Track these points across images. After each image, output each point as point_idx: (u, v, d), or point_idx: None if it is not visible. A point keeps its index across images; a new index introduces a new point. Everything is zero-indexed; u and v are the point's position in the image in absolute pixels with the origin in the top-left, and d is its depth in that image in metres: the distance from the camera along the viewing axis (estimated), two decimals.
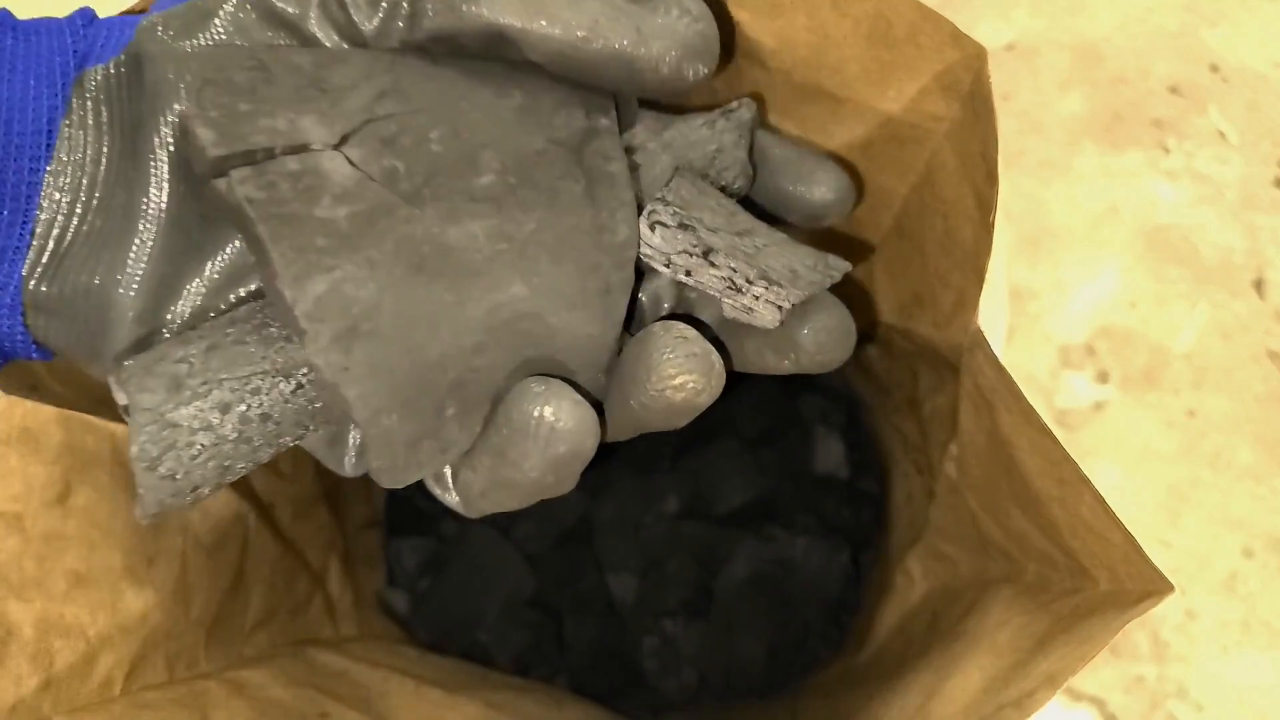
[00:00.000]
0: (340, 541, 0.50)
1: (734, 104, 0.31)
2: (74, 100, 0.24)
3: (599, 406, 0.27)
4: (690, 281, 0.28)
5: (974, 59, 0.30)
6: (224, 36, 0.25)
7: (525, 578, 0.58)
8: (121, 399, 0.24)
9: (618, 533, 0.59)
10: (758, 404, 0.60)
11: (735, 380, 0.61)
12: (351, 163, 0.24)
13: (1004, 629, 0.34)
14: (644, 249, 0.28)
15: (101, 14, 0.27)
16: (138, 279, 0.25)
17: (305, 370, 0.24)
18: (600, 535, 0.59)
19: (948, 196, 0.34)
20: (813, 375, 0.61)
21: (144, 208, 0.25)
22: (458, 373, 0.25)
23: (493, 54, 0.27)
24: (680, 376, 0.25)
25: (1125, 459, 0.59)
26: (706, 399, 0.26)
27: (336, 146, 0.24)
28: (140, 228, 0.25)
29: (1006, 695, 0.30)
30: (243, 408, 0.24)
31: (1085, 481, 0.31)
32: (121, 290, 0.25)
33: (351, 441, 0.27)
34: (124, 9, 0.29)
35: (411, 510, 0.59)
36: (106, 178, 0.25)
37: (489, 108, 0.26)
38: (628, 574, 0.58)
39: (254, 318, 0.25)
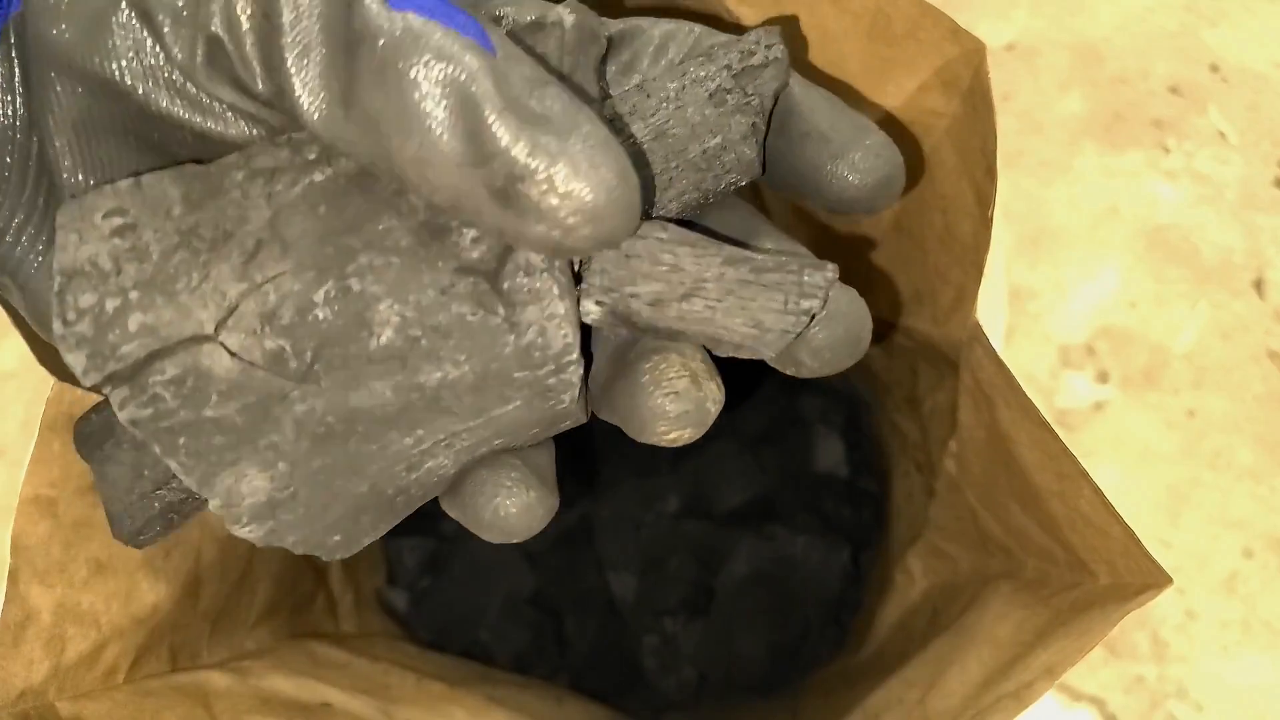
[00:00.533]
0: None
1: (754, 53, 0.25)
2: None
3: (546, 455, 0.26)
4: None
5: (973, 54, 0.30)
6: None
7: (525, 576, 0.58)
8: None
9: (618, 531, 0.59)
10: (758, 403, 0.60)
11: (735, 381, 0.61)
12: (231, 353, 0.22)
13: (1003, 623, 0.34)
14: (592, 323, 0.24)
15: None
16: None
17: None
18: (600, 534, 0.59)
19: (947, 192, 0.34)
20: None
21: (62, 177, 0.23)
22: (396, 488, 0.24)
23: None
24: (673, 433, 0.23)
25: (1125, 459, 0.59)
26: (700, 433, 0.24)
27: (214, 336, 0.22)
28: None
29: (1005, 686, 0.30)
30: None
31: (1084, 476, 0.31)
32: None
33: None
34: None
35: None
36: (24, 153, 0.23)
37: (382, 242, 0.22)
38: (628, 573, 0.58)
39: None
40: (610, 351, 0.25)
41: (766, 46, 0.24)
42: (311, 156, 0.23)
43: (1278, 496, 0.58)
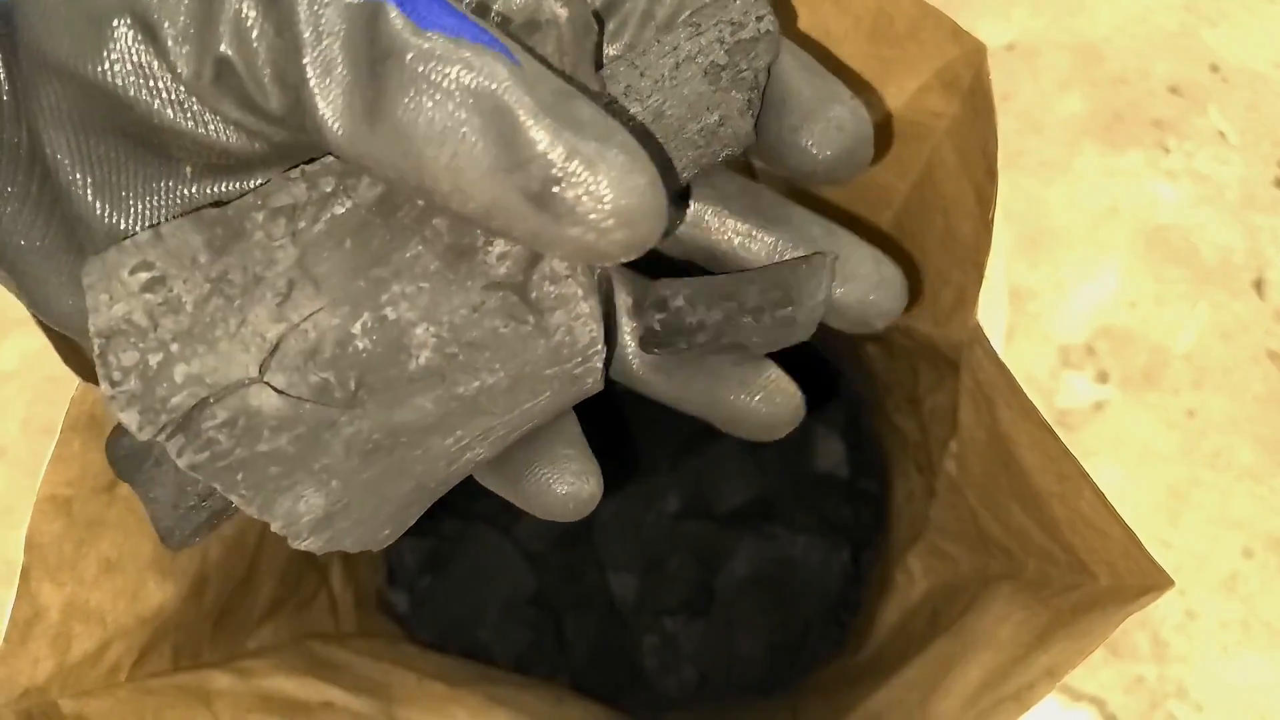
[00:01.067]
0: None
1: (745, 24, 0.25)
2: None
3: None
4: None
5: (974, 55, 0.30)
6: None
7: (526, 576, 0.58)
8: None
9: (618, 532, 0.59)
10: None
11: None
12: (279, 390, 0.23)
13: (1004, 624, 0.34)
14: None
15: None
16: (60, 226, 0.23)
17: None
18: (601, 534, 0.59)
19: (948, 193, 0.34)
20: (812, 377, 0.61)
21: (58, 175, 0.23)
22: (438, 481, 0.25)
23: None
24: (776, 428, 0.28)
25: (1125, 459, 0.59)
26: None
27: (260, 378, 0.23)
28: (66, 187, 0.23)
29: (1006, 688, 0.30)
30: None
31: (1085, 477, 0.31)
32: (48, 244, 0.23)
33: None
34: None
35: None
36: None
37: (411, 269, 0.23)
38: (628, 573, 0.58)
39: None
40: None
41: (757, 18, 0.24)
42: (329, 189, 0.23)
43: (1278, 496, 0.58)
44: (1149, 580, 0.30)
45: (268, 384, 0.23)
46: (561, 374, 0.25)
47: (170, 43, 0.21)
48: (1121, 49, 0.66)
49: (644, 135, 0.24)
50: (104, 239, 0.23)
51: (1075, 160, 0.65)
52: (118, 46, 0.21)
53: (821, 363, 0.58)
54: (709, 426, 0.58)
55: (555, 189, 0.19)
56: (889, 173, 0.36)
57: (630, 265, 0.26)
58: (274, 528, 0.23)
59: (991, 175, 0.30)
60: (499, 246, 0.23)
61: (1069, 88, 0.66)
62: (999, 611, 0.36)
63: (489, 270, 0.23)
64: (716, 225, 0.28)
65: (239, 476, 0.23)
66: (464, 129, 0.19)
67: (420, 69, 0.19)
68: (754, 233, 0.28)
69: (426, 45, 0.19)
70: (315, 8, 0.20)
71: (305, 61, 0.20)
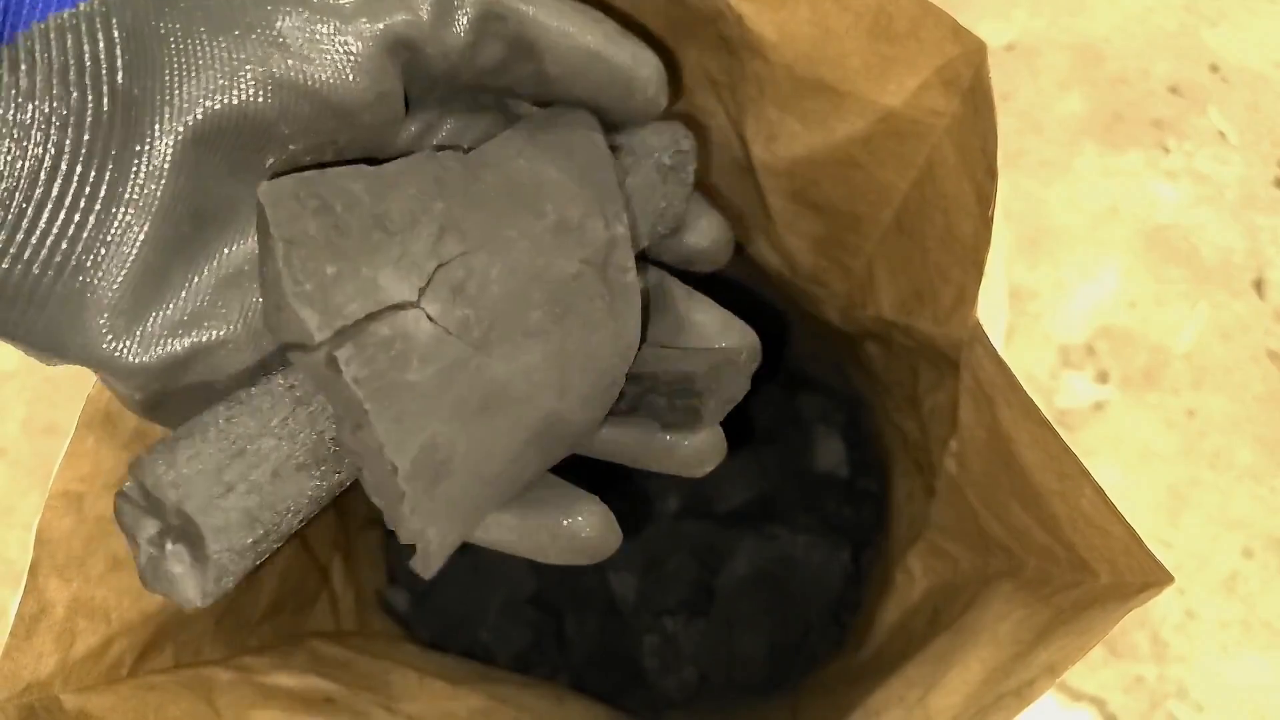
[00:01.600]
0: (344, 539, 0.50)
1: (681, 144, 0.32)
2: (23, 50, 0.22)
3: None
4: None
5: (974, 54, 0.30)
6: None
7: (526, 576, 0.58)
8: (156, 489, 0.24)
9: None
10: (758, 403, 0.60)
11: None
12: (431, 319, 0.25)
13: (1004, 622, 0.34)
14: None
15: None
16: (121, 269, 0.23)
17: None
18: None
19: (948, 192, 0.34)
20: (812, 374, 0.61)
21: (132, 193, 0.23)
22: (501, 486, 0.28)
23: (507, 78, 0.28)
24: None
25: (1125, 459, 0.59)
26: None
27: (417, 303, 0.25)
28: (125, 213, 0.23)
29: (1007, 685, 0.30)
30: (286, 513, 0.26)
31: (1085, 474, 0.31)
32: (100, 278, 0.23)
33: None
34: None
35: None
36: (76, 148, 0.23)
37: (530, 234, 0.27)
38: (628, 572, 0.58)
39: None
40: None
41: (686, 137, 0.32)
42: (471, 164, 0.27)
43: (1278, 496, 0.58)
44: (1149, 577, 0.30)
45: (424, 310, 0.25)
46: (612, 369, 0.29)
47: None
48: (1121, 49, 0.66)
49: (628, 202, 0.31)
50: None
51: (1075, 160, 0.65)
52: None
53: (823, 363, 0.58)
54: None
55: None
56: (889, 171, 0.36)
57: None
58: (399, 478, 0.25)
59: (991, 174, 0.30)
60: (590, 231, 0.28)
61: (1069, 88, 0.67)
62: (999, 609, 0.36)
63: (584, 249, 0.28)
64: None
65: (387, 402, 0.24)
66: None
67: None
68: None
69: None
70: None
71: None
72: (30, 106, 0.22)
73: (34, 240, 0.23)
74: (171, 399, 0.26)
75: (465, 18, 0.26)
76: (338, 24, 0.25)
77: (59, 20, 0.23)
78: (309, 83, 0.24)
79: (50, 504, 0.29)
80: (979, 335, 0.33)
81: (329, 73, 0.25)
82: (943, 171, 0.34)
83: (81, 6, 0.23)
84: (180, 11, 0.24)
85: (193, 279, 0.25)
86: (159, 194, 0.23)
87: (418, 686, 0.41)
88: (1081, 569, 0.33)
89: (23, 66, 0.22)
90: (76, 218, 0.23)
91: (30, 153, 0.22)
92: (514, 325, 0.26)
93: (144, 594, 0.32)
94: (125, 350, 0.24)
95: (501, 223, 0.27)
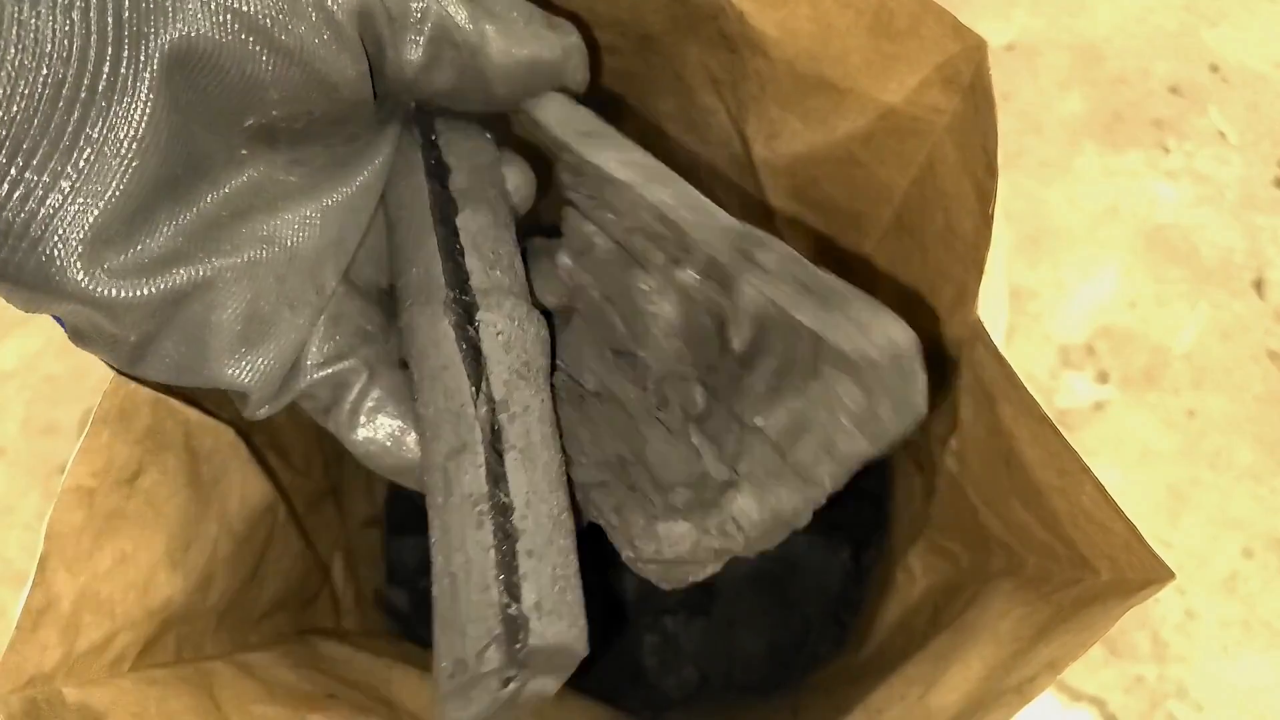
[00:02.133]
0: (344, 538, 0.50)
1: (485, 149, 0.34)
2: None
3: None
4: None
5: (975, 51, 0.30)
6: None
7: None
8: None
9: None
10: None
11: None
12: None
13: (1005, 619, 0.34)
14: None
15: None
16: (108, 198, 0.24)
17: None
18: (601, 533, 0.59)
19: (948, 190, 0.34)
20: None
21: (119, 124, 0.23)
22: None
23: (458, 100, 0.31)
24: None
25: (1125, 459, 0.59)
26: None
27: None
28: (114, 146, 0.24)
29: (1008, 682, 0.30)
30: None
31: (1086, 471, 0.31)
32: (86, 208, 0.24)
33: None
34: None
35: (413, 509, 0.59)
36: (76, 84, 0.23)
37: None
38: (628, 572, 0.58)
39: None
40: None
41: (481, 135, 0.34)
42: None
43: (1278, 497, 0.58)
44: (1150, 574, 0.30)
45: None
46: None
47: None
48: (1121, 49, 0.66)
49: None
50: None
51: (1075, 160, 0.65)
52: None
53: None
54: None
55: None
56: (889, 169, 0.36)
57: None
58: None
59: (992, 171, 0.30)
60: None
61: (1069, 88, 0.67)
62: (1000, 607, 0.36)
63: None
64: None
65: None
66: None
67: None
68: None
69: None
70: None
71: None
72: (32, 35, 0.22)
73: (28, 174, 0.23)
74: (160, 343, 0.27)
75: (421, 38, 0.28)
76: None
77: None
78: (304, 52, 0.25)
79: (63, 498, 0.29)
80: (980, 333, 0.33)
81: (320, 46, 0.26)
82: (943, 169, 0.34)
83: None
84: None
85: (180, 217, 0.26)
86: (144, 125, 0.24)
87: (419, 683, 0.41)
88: (1082, 566, 0.33)
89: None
90: (67, 150, 0.23)
91: (43, 75, 0.23)
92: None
93: (149, 589, 0.32)
94: (111, 282, 0.25)
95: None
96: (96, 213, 0.24)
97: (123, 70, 0.23)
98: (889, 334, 0.26)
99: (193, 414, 0.34)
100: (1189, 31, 0.66)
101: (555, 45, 0.31)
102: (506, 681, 0.27)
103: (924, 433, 0.46)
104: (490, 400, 0.28)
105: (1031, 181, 0.62)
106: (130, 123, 0.24)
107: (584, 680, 0.56)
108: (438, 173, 0.32)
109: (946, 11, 0.30)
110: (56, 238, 0.24)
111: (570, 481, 0.31)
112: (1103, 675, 0.56)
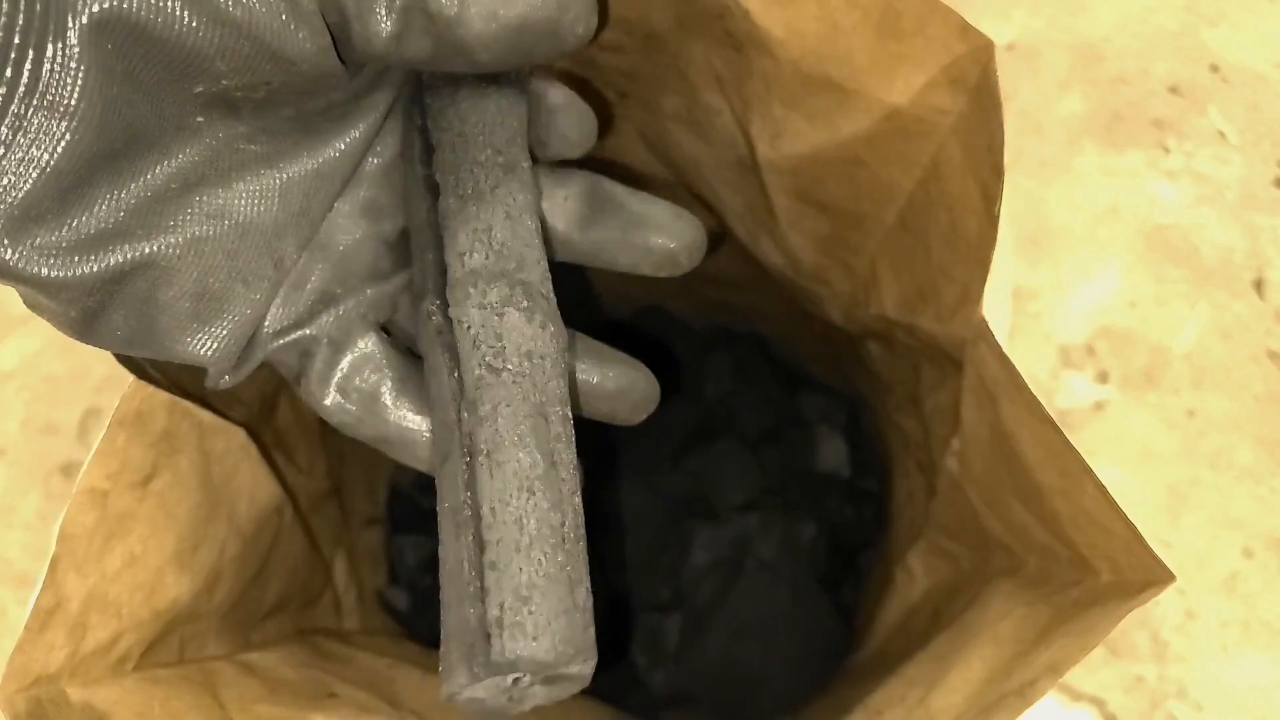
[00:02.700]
0: (346, 538, 0.50)
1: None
2: None
3: None
4: None
5: (981, 52, 0.30)
6: None
7: None
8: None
9: (618, 530, 0.59)
10: (759, 403, 0.61)
11: (736, 380, 0.61)
12: None
13: (1005, 621, 0.34)
14: None
15: None
16: (39, 172, 0.23)
17: None
18: (600, 534, 0.59)
19: (953, 191, 0.34)
20: (814, 374, 0.61)
21: (49, 93, 0.22)
22: None
23: (440, 65, 0.28)
24: None
25: (1125, 459, 0.59)
26: None
27: None
28: (45, 116, 0.23)
29: (1009, 684, 0.30)
30: None
31: (1088, 472, 0.31)
32: (17, 182, 0.23)
33: None
34: None
35: (414, 509, 0.59)
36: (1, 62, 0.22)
37: None
38: (628, 572, 0.58)
39: None
40: None
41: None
42: None
43: (1278, 497, 0.58)
44: (1151, 575, 0.30)
45: None
46: None
47: None
48: (1121, 49, 0.66)
49: None
50: None
51: (1075, 160, 0.65)
52: None
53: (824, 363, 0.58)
54: (711, 426, 0.58)
55: None
56: (894, 169, 0.36)
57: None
58: None
59: (997, 172, 0.30)
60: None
61: (1069, 88, 0.67)
62: (1000, 608, 0.36)
63: None
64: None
65: None
66: None
67: None
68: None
69: None
70: None
71: None
72: None
73: None
74: (108, 316, 0.26)
75: (390, 9, 0.26)
76: None
77: None
78: (253, 25, 0.24)
79: (77, 500, 0.29)
80: (984, 332, 0.33)
81: (270, 18, 0.24)
82: (948, 170, 0.34)
83: None
84: None
85: (120, 192, 0.25)
86: (74, 100, 0.23)
87: (421, 683, 0.41)
88: (1082, 567, 0.33)
89: None
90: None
91: None
92: None
93: (156, 590, 0.32)
94: (42, 260, 0.24)
95: None
96: (26, 188, 0.23)
97: (48, 46, 0.22)
98: None
99: (206, 416, 0.34)
100: (1189, 31, 0.66)
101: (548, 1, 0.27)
102: (505, 692, 0.26)
103: (925, 433, 0.46)
104: (463, 402, 0.27)
105: (1031, 181, 0.62)
106: (58, 98, 0.23)
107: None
108: (424, 155, 0.30)
109: (953, 11, 0.30)
110: None
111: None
112: (1103, 675, 0.56)
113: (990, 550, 0.40)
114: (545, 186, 0.33)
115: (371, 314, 0.30)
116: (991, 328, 0.33)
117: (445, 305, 0.28)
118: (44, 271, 0.24)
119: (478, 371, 0.27)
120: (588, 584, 0.28)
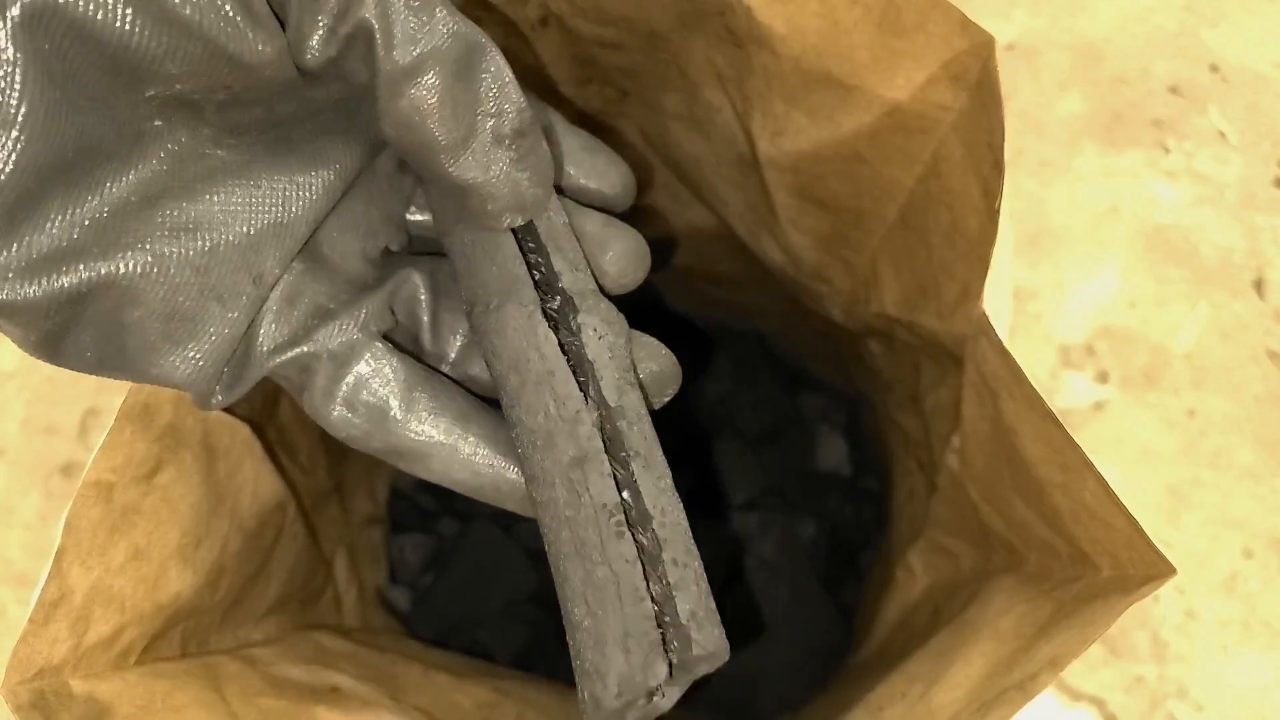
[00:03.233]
0: (347, 536, 0.50)
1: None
2: None
3: None
4: None
5: (982, 48, 0.30)
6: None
7: (527, 575, 0.58)
8: None
9: None
10: (759, 403, 0.61)
11: (737, 379, 0.61)
12: None
13: (1006, 616, 0.34)
14: None
15: None
16: None
17: None
18: None
19: (954, 187, 0.34)
20: (814, 373, 0.61)
21: (1, 105, 0.21)
22: None
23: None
24: None
25: (1125, 459, 0.59)
26: None
27: None
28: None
29: (1010, 678, 0.30)
30: None
31: (1089, 467, 0.31)
32: None
33: None
34: None
35: (414, 508, 0.59)
36: None
37: None
38: None
39: None
40: None
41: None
42: None
43: (1278, 496, 0.58)
44: (1151, 570, 0.30)
45: None
46: None
47: None
48: (1121, 49, 0.66)
49: None
50: None
51: (1075, 160, 0.65)
52: None
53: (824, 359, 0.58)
54: (711, 426, 0.58)
55: None
56: (895, 166, 0.36)
57: None
58: None
59: (998, 168, 0.30)
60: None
61: (1069, 88, 0.67)
62: (1001, 604, 0.36)
63: None
64: None
65: None
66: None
67: None
68: None
69: None
70: None
71: None
72: None
73: None
74: (74, 337, 0.25)
75: (322, 28, 0.24)
76: None
77: None
78: (204, 26, 0.22)
79: (82, 493, 0.29)
80: (984, 328, 0.33)
81: (221, 19, 0.23)
82: (949, 167, 0.34)
83: None
84: None
85: (76, 208, 0.23)
86: (15, 100, 0.21)
87: (422, 679, 0.41)
88: (1083, 562, 0.33)
89: None
90: None
91: None
92: None
93: (159, 584, 0.32)
94: None
95: None
96: None
97: None
98: None
99: (213, 413, 0.34)
100: (1189, 31, 0.66)
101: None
102: (651, 695, 0.26)
103: (925, 431, 0.46)
104: (604, 406, 0.27)
105: (1031, 181, 0.62)
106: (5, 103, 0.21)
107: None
108: None
109: (954, 8, 0.30)
110: None
111: None
112: (1103, 675, 0.56)
113: (991, 547, 0.40)
114: None
115: (374, 324, 0.29)
116: (994, 324, 0.33)
117: (558, 310, 0.28)
118: None
119: (618, 379, 0.28)
120: None
